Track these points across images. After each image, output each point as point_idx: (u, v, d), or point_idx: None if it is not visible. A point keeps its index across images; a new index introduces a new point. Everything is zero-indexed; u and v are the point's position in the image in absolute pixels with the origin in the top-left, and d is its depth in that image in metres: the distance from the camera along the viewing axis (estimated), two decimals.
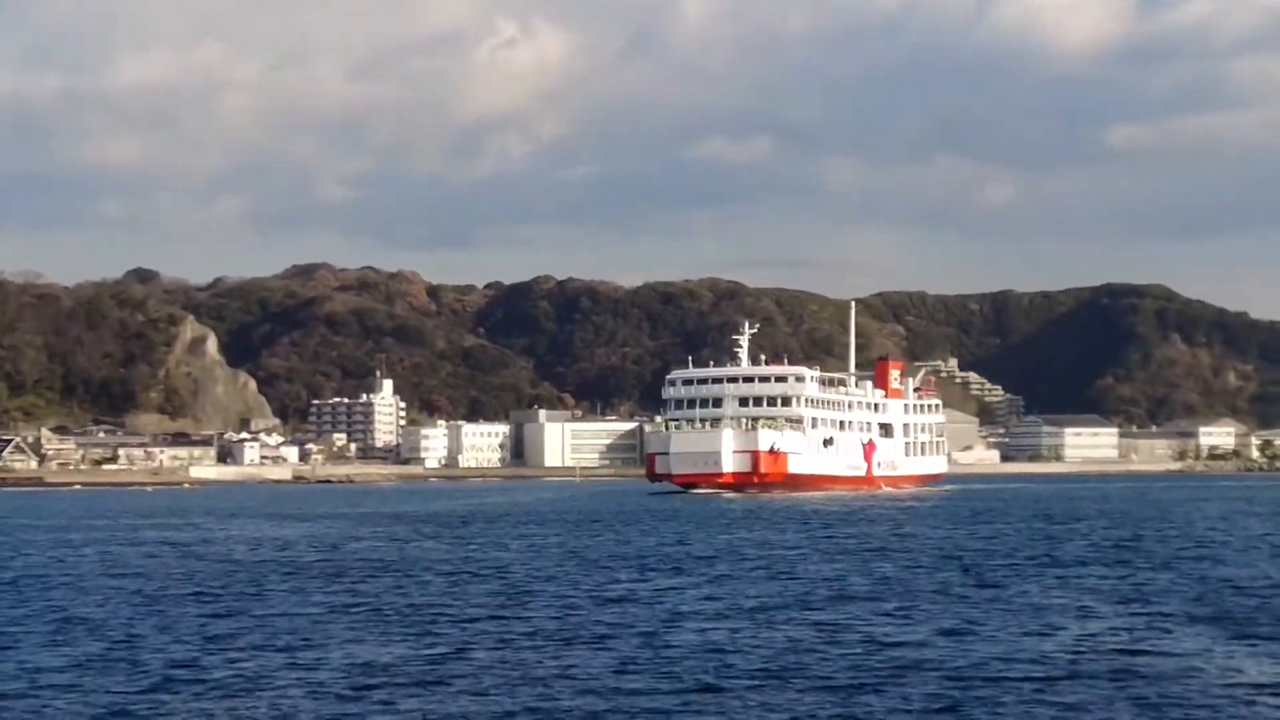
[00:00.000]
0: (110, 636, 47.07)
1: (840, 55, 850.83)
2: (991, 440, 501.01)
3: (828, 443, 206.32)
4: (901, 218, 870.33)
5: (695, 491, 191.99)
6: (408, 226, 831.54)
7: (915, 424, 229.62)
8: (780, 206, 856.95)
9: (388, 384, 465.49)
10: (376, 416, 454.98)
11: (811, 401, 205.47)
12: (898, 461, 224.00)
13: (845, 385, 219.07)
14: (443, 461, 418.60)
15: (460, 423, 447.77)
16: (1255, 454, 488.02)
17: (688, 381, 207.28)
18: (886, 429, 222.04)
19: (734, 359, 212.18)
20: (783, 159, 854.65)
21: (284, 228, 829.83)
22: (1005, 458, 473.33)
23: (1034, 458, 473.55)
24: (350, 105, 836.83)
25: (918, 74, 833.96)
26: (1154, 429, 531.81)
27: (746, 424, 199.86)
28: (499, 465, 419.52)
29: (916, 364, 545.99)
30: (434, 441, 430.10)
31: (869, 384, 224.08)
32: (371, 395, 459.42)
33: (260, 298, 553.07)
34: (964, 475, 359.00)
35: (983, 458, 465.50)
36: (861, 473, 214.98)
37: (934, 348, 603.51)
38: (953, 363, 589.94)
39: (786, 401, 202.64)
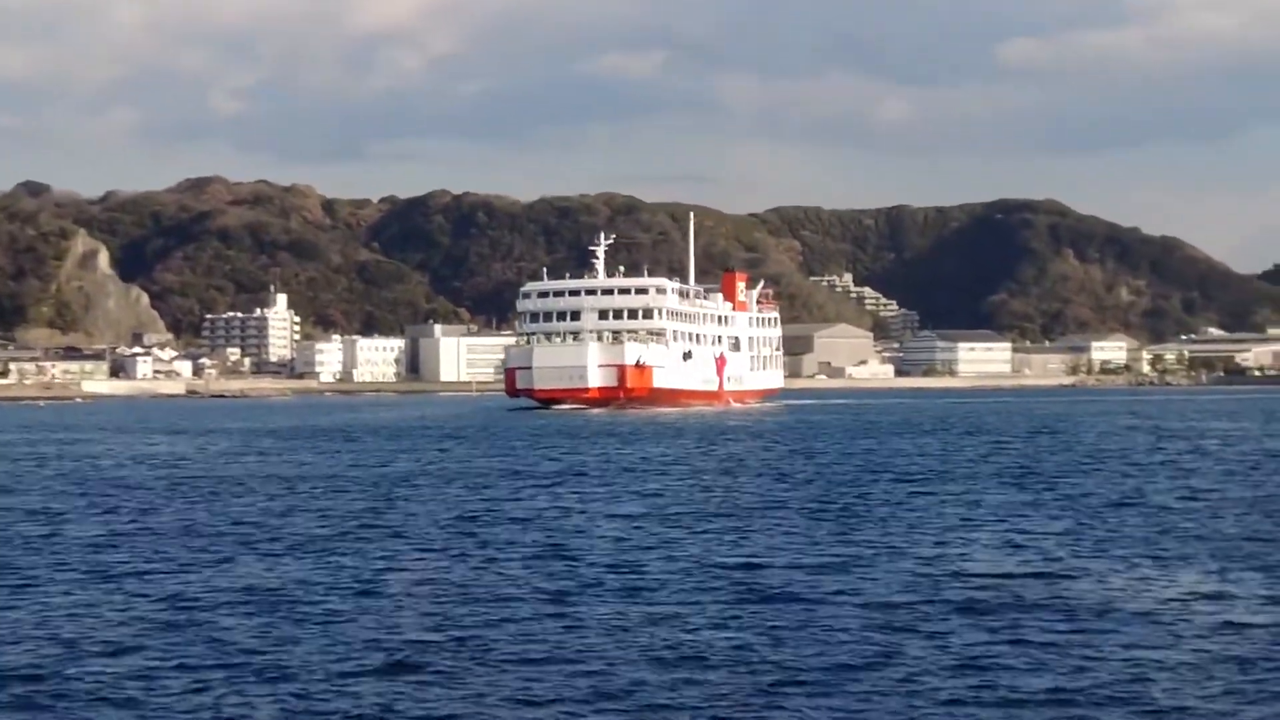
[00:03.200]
0: None
1: None
2: (886, 355, 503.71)
3: (687, 356, 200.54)
4: (797, 133, 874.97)
5: (559, 407, 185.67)
6: (301, 140, 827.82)
7: (759, 337, 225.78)
8: (676, 121, 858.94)
9: (282, 298, 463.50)
10: (271, 331, 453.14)
11: (672, 314, 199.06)
12: (744, 376, 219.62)
13: (693, 297, 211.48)
14: (337, 376, 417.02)
15: (355, 337, 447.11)
16: (1146, 368, 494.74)
17: (544, 294, 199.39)
18: (734, 342, 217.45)
19: (591, 270, 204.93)
20: (678, 73, 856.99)
21: (176, 140, 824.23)
22: (900, 372, 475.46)
23: (928, 372, 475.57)
24: (241, 17, 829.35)
25: None
26: (1047, 344, 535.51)
27: (608, 337, 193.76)
28: (394, 380, 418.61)
29: (811, 278, 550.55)
30: (329, 356, 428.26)
31: (718, 296, 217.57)
32: (265, 310, 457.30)
33: (153, 211, 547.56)
34: (856, 390, 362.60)
35: (877, 372, 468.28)
36: (714, 387, 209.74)
37: (829, 262, 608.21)
38: (848, 277, 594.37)
39: (648, 314, 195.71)
